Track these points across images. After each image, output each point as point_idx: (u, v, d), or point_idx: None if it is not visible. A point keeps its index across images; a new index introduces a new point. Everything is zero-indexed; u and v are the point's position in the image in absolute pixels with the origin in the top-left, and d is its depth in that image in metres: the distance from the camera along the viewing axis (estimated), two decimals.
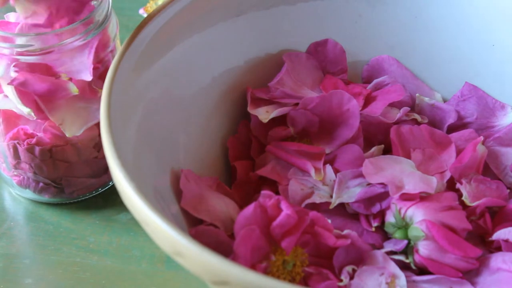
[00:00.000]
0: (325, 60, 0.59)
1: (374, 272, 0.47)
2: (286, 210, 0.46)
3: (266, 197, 0.46)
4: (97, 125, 0.56)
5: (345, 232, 0.48)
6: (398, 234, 0.49)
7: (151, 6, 0.75)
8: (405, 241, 0.49)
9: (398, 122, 0.56)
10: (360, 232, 0.50)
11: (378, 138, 0.56)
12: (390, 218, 0.50)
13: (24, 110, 0.54)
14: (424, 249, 0.48)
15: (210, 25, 0.54)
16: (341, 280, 0.47)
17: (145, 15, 0.66)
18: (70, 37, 0.52)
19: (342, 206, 0.52)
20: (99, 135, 0.54)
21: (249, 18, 0.56)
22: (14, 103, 0.54)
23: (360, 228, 0.51)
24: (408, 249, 0.49)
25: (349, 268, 0.47)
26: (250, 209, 0.45)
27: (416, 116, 0.57)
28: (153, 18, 0.51)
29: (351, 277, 0.47)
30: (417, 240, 0.48)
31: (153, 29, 0.51)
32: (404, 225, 0.49)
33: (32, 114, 0.54)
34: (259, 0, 0.56)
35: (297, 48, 0.59)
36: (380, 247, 0.50)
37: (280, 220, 0.45)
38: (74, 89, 0.53)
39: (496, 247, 0.50)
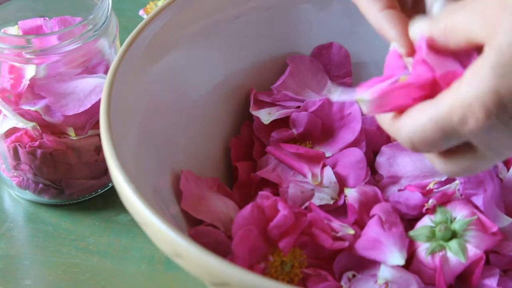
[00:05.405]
0: (329, 63, 0.59)
1: (368, 280, 0.47)
2: (283, 211, 0.45)
3: (263, 197, 0.46)
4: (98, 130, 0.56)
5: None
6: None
7: (151, 7, 0.75)
8: None
9: None
10: None
11: (380, 142, 0.55)
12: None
13: (28, 125, 0.55)
14: None
15: (212, 27, 0.54)
16: (341, 287, 0.47)
17: (145, 17, 0.66)
18: (70, 38, 0.52)
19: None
20: (100, 139, 0.55)
21: (252, 20, 0.56)
22: (15, 121, 0.55)
23: None
24: None
25: (349, 274, 0.47)
26: (247, 209, 0.45)
27: None
28: (153, 19, 0.51)
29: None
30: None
31: (153, 30, 0.51)
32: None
33: (38, 127, 0.55)
34: (262, 2, 0.56)
35: (301, 51, 0.59)
36: None
37: (277, 221, 0.45)
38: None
39: None
